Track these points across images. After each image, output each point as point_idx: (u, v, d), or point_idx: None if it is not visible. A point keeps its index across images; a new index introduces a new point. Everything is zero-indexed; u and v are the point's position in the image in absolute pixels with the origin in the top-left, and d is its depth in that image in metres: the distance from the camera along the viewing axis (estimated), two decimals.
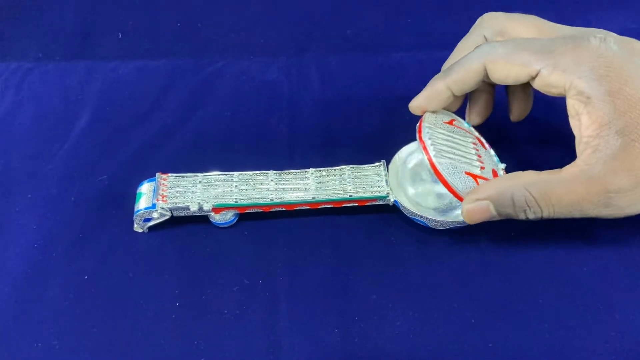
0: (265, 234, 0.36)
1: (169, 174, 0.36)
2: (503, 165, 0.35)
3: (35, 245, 0.36)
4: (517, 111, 0.38)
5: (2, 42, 0.49)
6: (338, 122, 0.43)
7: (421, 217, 0.34)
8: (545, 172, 0.31)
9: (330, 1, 0.51)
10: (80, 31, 0.50)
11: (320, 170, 0.37)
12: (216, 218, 0.35)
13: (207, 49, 0.49)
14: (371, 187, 0.36)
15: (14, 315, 0.33)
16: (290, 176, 0.37)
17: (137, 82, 0.46)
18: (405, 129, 0.38)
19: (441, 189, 0.37)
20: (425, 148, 0.33)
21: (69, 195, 0.38)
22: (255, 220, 0.37)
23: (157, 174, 0.36)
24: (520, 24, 0.35)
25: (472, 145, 0.35)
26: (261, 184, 0.36)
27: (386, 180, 0.36)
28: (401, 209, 0.35)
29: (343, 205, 0.36)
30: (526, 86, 0.36)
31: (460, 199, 0.33)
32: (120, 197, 0.38)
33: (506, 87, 0.38)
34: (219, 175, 0.36)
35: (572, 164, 0.31)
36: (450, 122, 0.36)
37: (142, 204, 0.35)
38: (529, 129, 0.41)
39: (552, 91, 0.32)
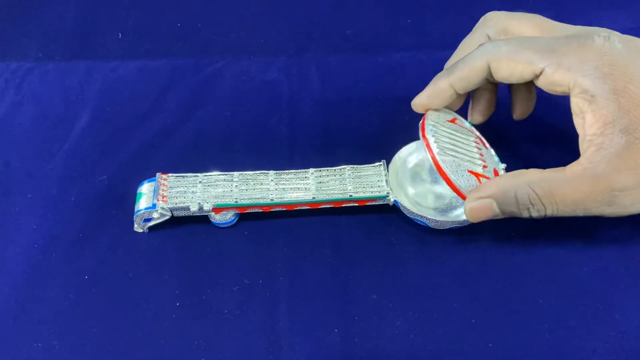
0: (265, 234, 0.36)
1: (169, 174, 0.36)
2: (503, 165, 0.35)
3: (36, 245, 0.36)
4: (520, 110, 0.38)
5: (2, 42, 0.49)
6: (338, 122, 0.43)
7: (421, 217, 0.34)
8: (548, 170, 0.31)
9: (330, 1, 0.51)
10: (80, 31, 0.50)
11: (320, 170, 0.37)
12: (216, 218, 0.36)
13: (207, 49, 0.49)
14: (371, 187, 0.36)
15: (14, 315, 0.33)
16: (290, 176, 0.37)
17: (137, 82, 0.46)
18: (405, 129, 0.38)
19: (440, 189, 0.37)
20: (428, 145, 0.33)
21: (69, 195, 0.38)
22: (255, 220, 0.37)
23: (158, 174, 0.36)
24: (524, 23, 0.35)
25: (474, 144, 0.35)
26: (261, 184, 0.36)
27: (386, 180, 0.36)
28: (401, 209, 0.35)
29: (343, 205, 0.36)
30: (529, 85, 0.36)
31: (463, 197, 0.33)
32: (120, 197, 0.38)
33: (509, 86, 0.38)
34: (219, 175, 0.36)
35: (576, 162, 0.31)
36: (453, 121, 0.36)
37: (142, 204, 0.35)
38: (529, 129, 0.41)
39: (556, 89, 0.32)
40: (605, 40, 0.31)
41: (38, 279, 0.34)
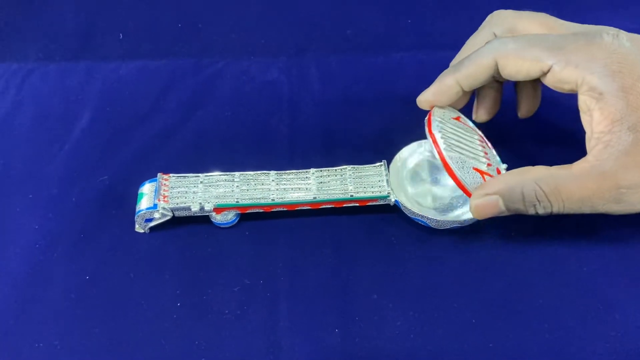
0: (266, 234, 0.36)
1: (171, 174, 0.36)
2: (505, 166, 0.35)
3: (36, 245, 0.36)
4: (526, 108, 0.38)
5: (3, 43, 0.49)
6: (338, 122, 0.43)
7: (422, 216, 0.34)
8: (555, 167, 0.31)
9: (330, 1, 0.51)
10: (80, 31, 0.50)
11: (321, 171, 0.37)
12: (217, 218, 0.36)
13: (207, 49, 0.49)
14: (372, 187, 0.36)
15: (15, 316, 0.33)
16: (291, 176, 0.37)
17: (138, 83, 0.46)
18: (405, 129, 0.38)
19: (440, 189, 0.37)
20: (435, 141, 0.33)
21: (69, 195, 0.38)
22: (256, 220, 0.37)
23: (159, 174, 0.36)
24: (530, 21, 0.35)
25: (478, 142, 0.35)
26: (262, 184, 0.36)
27: (387, 180, 0.36)
28: (402, 209, 0.35)
29: (344, 205, 0.36)
30: (535, 82, 0.36)
31: (469, 194, 0.32)
32: (121, 197, 0.38)
33: (515, 84, 0.38)
34: (220, 175, 0.36)
35: (583, 159, 0.31)
36: (457, 119, 0.36)
37: (143, 204, 0.35)
38: (533, 128, 0.41)
39: (564, 87, 0.31)
40: (614, 38, 0.30)
41: (39, 279, 0.34)
